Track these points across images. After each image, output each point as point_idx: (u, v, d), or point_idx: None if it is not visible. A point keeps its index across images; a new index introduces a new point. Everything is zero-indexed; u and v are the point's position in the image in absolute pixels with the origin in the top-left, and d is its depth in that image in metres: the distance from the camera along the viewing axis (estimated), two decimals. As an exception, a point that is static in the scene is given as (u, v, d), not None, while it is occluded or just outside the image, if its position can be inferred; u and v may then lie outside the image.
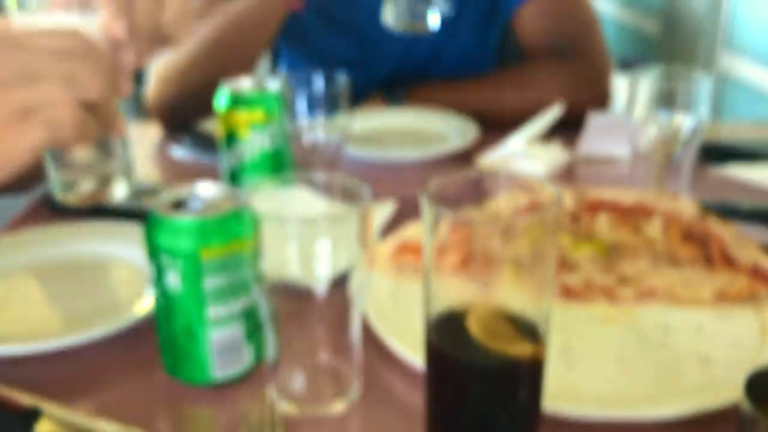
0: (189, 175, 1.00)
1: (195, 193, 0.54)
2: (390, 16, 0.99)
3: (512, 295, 0.41)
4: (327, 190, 0.54)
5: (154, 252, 0.52)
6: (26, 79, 0.49)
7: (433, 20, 0.99)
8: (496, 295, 0.41)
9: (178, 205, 0.53)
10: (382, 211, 0.83)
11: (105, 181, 0.62)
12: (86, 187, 0.62)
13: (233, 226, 0.51)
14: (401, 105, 1.18)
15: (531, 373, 0.42)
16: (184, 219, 0.51)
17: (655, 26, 4.32)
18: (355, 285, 0.51)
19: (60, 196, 0.62)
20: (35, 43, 0.51)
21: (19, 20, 0.57)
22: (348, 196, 0.53)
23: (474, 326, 0.42)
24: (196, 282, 0.51)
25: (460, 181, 0.44)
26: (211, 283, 0.51)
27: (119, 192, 0.63)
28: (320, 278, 0.50)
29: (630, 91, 0.85)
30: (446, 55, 1.30)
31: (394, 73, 1.27)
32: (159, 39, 0.63)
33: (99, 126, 0.53)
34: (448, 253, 0.44)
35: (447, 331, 0.42)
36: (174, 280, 0.51)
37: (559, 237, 0.70)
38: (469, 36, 1.30)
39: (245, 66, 1.10)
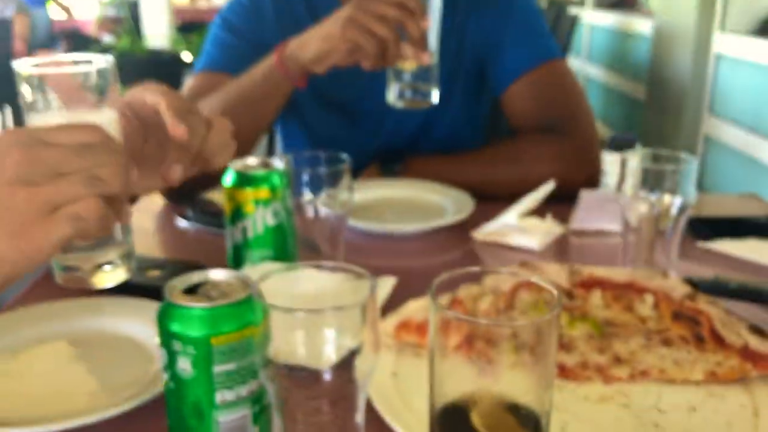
0: (192, 245, 1.02)
1: (206, 278, 0.56)
2: (393, 96, 1.05)
3: (515, 385, 0.43)
4: (333, 273, 0.56)
5: (165, 337, 0.53)
6: (51, 176, 0.52)
7: (434, 96, 1.05)
8: (499, 383, 0.43)
9: (190, 290, 0.55)
10: (383, 287, 0.85)
11: (105, 266, 0.65)
12: (86, 270, 0.64)
13: (243, 314, 0.53)
14: (395, 176, 1.22)
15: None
16: (196, 307, 0.52)
17: (641, 91, 4.44)
18: (360, 369, 0.53)
19: (60, 278, 0.65)
20: (58, 139, 0.54)
21: (38, 119, 0.60)
22: (354, 278, 0.55)
23: (477, 420, 0.44)
24: (206, 367, 0.53)
25: (465, 276, 0.47)
26: (220, 368, 0.53)
27: (119, 276, 0.66)
28: (326, 362, 0.52)
29: (620, 170, 0.89)
30: (436, 128, 1.35)
31: (385, 147, 1.31)
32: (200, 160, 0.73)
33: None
34: (451, 335, 0.46)
35: (452, 426, 0.44)
36: (184, 365, 0.53)
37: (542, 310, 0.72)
38: (459, 110, 1.34)
39: (249, 140, 1.14)
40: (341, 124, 1.34)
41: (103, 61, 0.64)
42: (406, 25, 1.00)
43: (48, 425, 0.59)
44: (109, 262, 0.65)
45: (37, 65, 0.62)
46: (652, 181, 0.87)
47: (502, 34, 1.26)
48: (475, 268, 0.49)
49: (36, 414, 0.62)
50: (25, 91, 0.62)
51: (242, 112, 1.12)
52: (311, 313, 0.50)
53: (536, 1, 1.32)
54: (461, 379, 0.45)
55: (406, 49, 1.03)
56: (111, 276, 0.66)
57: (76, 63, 0.64)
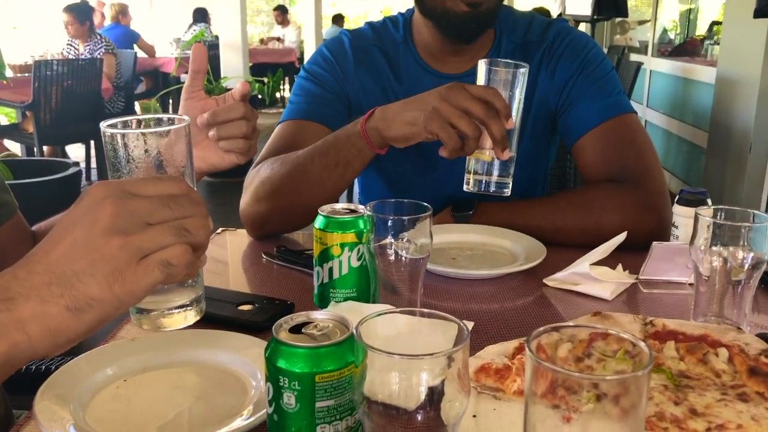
0: (278, 282, 1.07)
1: (311, 319, 0.61)
2: (468, 185, 1.10)
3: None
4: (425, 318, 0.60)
5: (272, 373, 0.58)
6: (141, 226, 0.58)
7: (508, 189, 1.10)
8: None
9: (296, 329, 0.60)
10: (451, 332, 0.88)
11: (177, 308, 0.72)
12: (159, 313, 0.71)
13: (344, 353, 0.58)
14: (468, 222, 1.26)
15: None
16: (303, 346, 0.57)
17: (702, 138, 4.39)
18: (450, 411, 0.56)
19: (135, 320, 0.72)
20: (146, 191, 0.60)
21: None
22: (443, 322, 0.59)
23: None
24: (309, 402, 0.57)
25: (559, 329, 0.50)
26: (322, 404, 0.57)
27: (189, 319, 0.73)
28: (415, 401, 0.56)
29: (693, 225, 0.91)
30: None
31: (456, 193, 1.36)
32: None
33: None
34: (539, 382, 0.49)
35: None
36: (289, 399, 0.58)
37: (626, 363, 0.75)
38: (527, 158, 1.37)
39: (332, 195, 1.20)
40: (416, 170, 1.39)
41: (181, 122, 0.71)
42: (489, 126, 1.03)
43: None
44: (182, 306, 0.72)
45: (121, 125, 0.70)
46: (725, 236, 0.89)
47: (574, 87, 1.30)
48: (570, 324, 0.52)
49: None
50: (111, 149, 0.68)
51: (326, 171, 1.18)
52: (407, 358, 0.55)
53: (608, 57, 1.36)
54: (553, 427, 0.48)
55: (486, 143, 1.06)
56: (182, 318, 0.72)
57: (157, 122, 0.72)
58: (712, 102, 4.22)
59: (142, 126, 0.72)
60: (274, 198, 1.20)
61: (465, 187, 1.11)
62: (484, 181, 1.09)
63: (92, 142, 5.11)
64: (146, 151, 0.68)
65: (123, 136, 0.68)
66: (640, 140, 1.28)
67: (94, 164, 5.20)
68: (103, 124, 0.68)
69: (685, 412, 0.70)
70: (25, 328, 0.55)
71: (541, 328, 0.50)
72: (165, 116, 0.72)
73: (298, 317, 0.62)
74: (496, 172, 1.09)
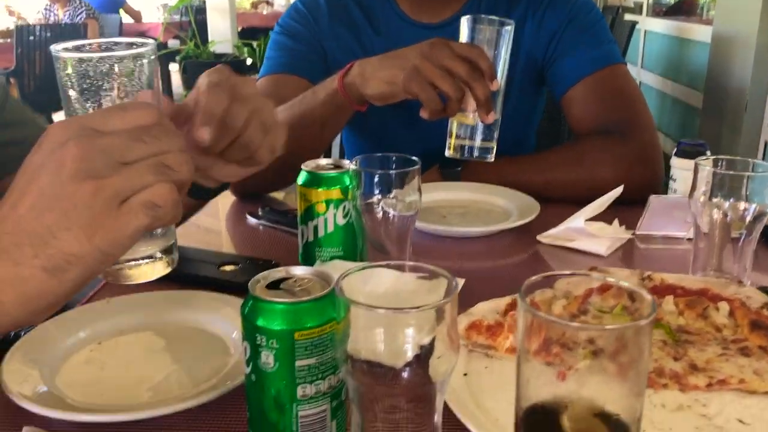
0: (262, 242, 1.04)
1: (290, 274, 0.57)
2: (450, 150, 1.06)
3: (605, 393, 0.42)
4: (410, 272, 0.57)
5: (249, 331, 0.54)
6: (114, 167, 0.50)
7: (492, 154, 1.06)
8: (587, 389, 0.43)
9: (273, 285, 0.56)
10: (441, 289, 0.85)
11: (145, 259, 0.64)
12: (126, 265, 0.63)
13: (325, 309, 0.54)
14: (457, 179, 1.22)
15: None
16: (281, 302, 0.54)
17: (697, 99, 4.34)
18: (439, 369, 0.53)
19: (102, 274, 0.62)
20: (112, 125, 0.52)
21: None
22: (429, 277, 0.56)
23: (567, 425, 0.44)
24: (288, 362, 0.54)
25: (555, 278, 0.46)
26: (302, 363, 0.54)
27: (158, 270, 0.65)
28: (403, 359, 0.53)
29: (692, 177, 0.87)
30: None
31: (443, 150, 1.32)
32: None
33: None
34: (532, 339, 0.46)
35: (538, 429, 0.44)
36: (267, 358, 0.54)
37: (623, 319, 0.72)
38: (515, 112, 1.33)
39: (313, 152, 1.16)
40: (400, 123, 1.35)
41: (144, 45, 0.61)
42: (473, 87, 0.99)
43: (128, 414, 0.60)
44: (150, 256, 0.64)
45: (79, 48, 0.59)
46: (725, 187, 0.86)
47: (562, 37, 1.25)
48: (567, 272, 0.49)
49: (117, 403, 0.64)
50: (68, 79, 0.59)
51: (304, 129, 1.14)
52: (393, 312, 0.51)
53: (597, 6, 1.31)
54: (547, 383, 0.45)
55: (469, 105, 1.01)
56: (150, 270, 0.64)
57: (118, 45, 0.62)
58: (708, 61, 4.17)
59: (102, 49, 0.61)
60: None
61: (447, 153, 1.07)
62: (467, 146, 1.05)
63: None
64: (108, 78, 0.59)
65: (80, 61, 0.58)
66: (631, 91, 1.25)
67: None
68: (54, 47, 0.59)
69: (685, 368, 0.67)
70: None
71: (534, 278, 0.46)
72: (125, 39, 0.63)
73: (276, 273, 0.58)
74: (479, 136, 1.05)
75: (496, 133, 1.05)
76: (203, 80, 0.69)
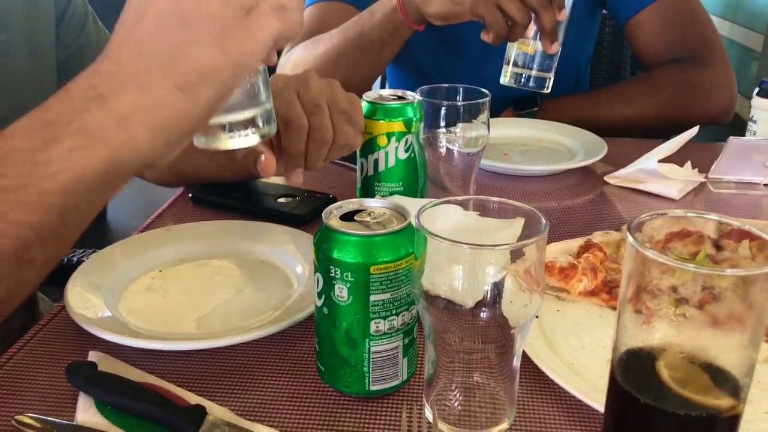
0: (319, 176, 1.01)
1: (363, 206, 0.55)
2: (507, 78, 1.03)
3: (714, 344, 0.39)
4: (497, 214, 0.54)
5: (323, 263, 0.52)
6: None
7: (549, 85, 1.02)
8: (695, 342, 0.40)
9: (347, 217, 0.54)
10: (516, 228, 0.82)
11: (240, 126, 0.56)
12: (217, 128, 0.55)
13: (403, 243, 0.52)
14: (533, 117, 1.18)
15: (729, 425, 0.41)
16: (358, 234, 0.51)
17: (757, 42, 4.15)
18: (519, 312, 0.51)
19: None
20: None
21: None
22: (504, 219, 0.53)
23: (664, 372, 0.41)
24: (363, 295, 0.52)
25: (663, 222, 0.43)
26: (377, 297, 0.52)
27: (252, 140, 0.57)
28: (483, 301, 0.50)
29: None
30: None
31: (491, 82, 1.27)
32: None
33: None
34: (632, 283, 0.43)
35: (636, 373, 0.41)
36: (341, 292, 0.52)
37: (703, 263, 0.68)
38: (575, 36, 1.27)
39: (365, 81, 1.14)
40: (449, 52, 1.30)
41: None
42: (541, 14, 0.96)
43: (192, 342, 0.59)
44: (244, 123, 0.56)
45: None
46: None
47: None
48: (679, 212, 0.45)
49: (180, 331, 0.63)
50: None
51: (361, 51, 1.11)
52: (475, 248, 0.48)
53: None
54: (647, 329, 0.42)
55: (530, 33, 0.99)
56: (242, 139, 0.56)
57: None
58: (771, 1, 3.96)
59: None
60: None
61: (502, 80, 1.03)
62: (524, 75, 1.02)
63: None
64: None
65: None
66: (701, 15, 1.18)
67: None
68: None
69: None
70: (127, 126, 0.45)
71: (645, 216, 0.43)
72: None
73: (349, 204, 0.55)
74: (537, 66, 1.01)
75: (554, 64, 1.01)
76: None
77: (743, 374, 0.39)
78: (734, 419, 0.40)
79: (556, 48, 0.99)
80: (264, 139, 0.57)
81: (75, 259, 1.06)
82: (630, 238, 0.40)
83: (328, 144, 0.70)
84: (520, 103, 1.19)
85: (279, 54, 1.08)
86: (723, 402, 0.40)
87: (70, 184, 0.45)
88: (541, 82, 1.01)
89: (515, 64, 1.02)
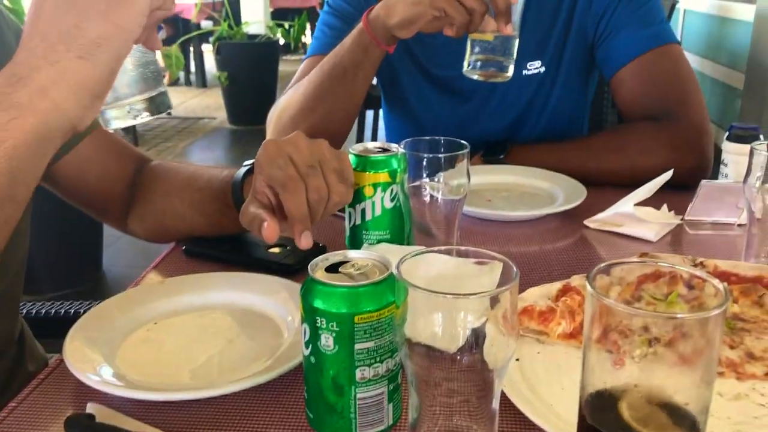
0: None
1: (348, 258, 0.58)
2: (469, 66, 1.06)
3: (673, 382, 0.42)
4: (466, 258, 0.57)
5: (309, 314, 0.55)
6: None
7: (510, 70, 1.05)
8: (656, 377, 0.43)
9: (332, 269, 0.57)
10: (495, 273, 0.85)
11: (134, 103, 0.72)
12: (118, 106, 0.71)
13: (385, 293, 0.55)
14: (501, 164, 1.21)
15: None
16: (342, 286, 0.54)
17: (738, 80, 4.24)
18: (498, 355, 0.53)
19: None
20: None
21: None
22: (481, 263, 0.56)
23: (626, 412, 0.44)
24: (348, 344, 0.54)
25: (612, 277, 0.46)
26: (361, 345, 0.55)
27: (145, 116, 0.73)
28: (464, 346, 0.53)
29: (747, 159, 0.85)
30: (541, 111, 1.33)
31: (488, 130, 1.31)
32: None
33: None
34: (594, 326, 0.45)
35: (601, 416, 0.44)
36: (327, 341, 0.55)
37: (679, 307, 0.71)
38: (564, 91, 1.31)
39: (345, 114, 1.18)
40: (444, 102, 1.34)
41: None
42: None
43: (186, 393, 0.62)
44: (136, 103, 0.72)
45: None
46: (781, 172, 0.84)
47: (614, 14, 1.23)
48: (638, 260, 0.48)
49: (175, 382, 0.65)
50: None
51: (336, 81, 1.14)
52: (452, 297, 0.51)
53: None
54: (613, 369, 0.44)
55: (489, 20, 1.03)
56: (143, 116, 0.73)
57: None
58: (750, 41, 4.06)
59: None
60: (293, 124, 1.16)
61: (464, 69, 1.07)
62: (483, 61, 1.06)
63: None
64: None
65: None
66: (683, 73, 1.21)
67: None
68: None
69: (742, 356, 0.67)
70: (48, 95, 0.58)
71: (602, 265, 0.46)
72: None
73: (334, 256, 0.58)
74: (497, 52, 1.05)
75: (514, 50, 1.05)
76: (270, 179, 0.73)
77: (699, 412, 0.42)
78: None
79: (511, 29, 1.03)
80: (159, 115, 0.73)
81: (72, 310, 1.08)
82: (588, 288, 0.43)
83: (324, 202, 0.74)
84: (488, 149, 1.23)
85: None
86: (682, 439, 0.42)
87: (11, 150, 0.57)
88: (501, 67, 1.05)
89: (474, 52, 1.06)
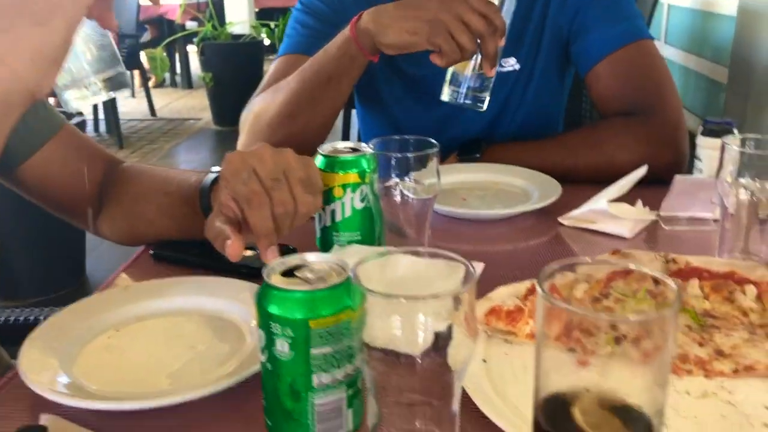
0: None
1: (305, 262, 0.57)
2: (447, 95, 1.09)
3: (627, 383, 0.41)
4: (428, 259, 0.56)
5: (264, 319, 0.54)
6: None
7: (486, 104, 1.08)
8: (609, 379, 0.42)
9: (288, 273, 0.56)
10: (460, 273, 0.84)
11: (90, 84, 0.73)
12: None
13: (341, 298, 0.53)
14: (476, 162, 1.20)
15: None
16: (296, 290, 0.53)
17: (722, 74, 4.25)
18: (457, 357, 0.52)
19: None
20: None
21: None
22: (447, 263, 0.55)
23: (579, 417, 0.42)
24: (303, 350, 0.53)
25: (574, 267, 0.45)
26: (317, 351, 0.53)
27: (100, 97, 0.74)
28: (421, 347, 0.52)
29: (719, 156, 0.85)
30: (517, 109, 1.32)
31: (465, 130, 1.29)
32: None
33: None
34: (552, 324, 0.44)
35: (554, 419, 0.43)
36: (282, 347, 0.54)
37: (647, 303, 0.70)
38: (540, 90, 1.31)
39: (326, 118, 1.16)
40: (420, 102, 1.33)
41: None
42: (485, 42, 1.02)
43: (144, 402, 0.60)
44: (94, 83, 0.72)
45: None
46: (753, 167, 0.83)
47: (587, 11, 1.22)
48: (585, 259, 0.47)
49: (135, 390, 0.63)
50: None
51: (320, 88, 1.13)
52: (409, 300, 0.50)
53: None
54: (567, 372, 0.43)
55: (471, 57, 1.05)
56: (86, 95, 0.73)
57: None
58: (734, 35, 4.07)
59: None
60: (270, 130, 1.15)
61: (442, 97, 1.09)
62: (462, 93, 1.08)
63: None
64: None
65: None
66: (657, 68, 1.21)
67: (102, 115, 5.14)
68: None
69: (711, 354, 0.66)
70: (5, 62, 0.59)
71: (553, 264, 0.45)
72: None
73: (291, 260, 0.57)
74: (476, 86, 1.07)
75: (491, 85, 1.07)
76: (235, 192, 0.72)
77: (654, 414, 0.41)
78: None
79: (494, 72, 1.05)
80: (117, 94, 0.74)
81: (42, 317, 1.06)
82: (539, 289, 0.42)
83: (291, 215, 0.72)
84: (463, 148, 1.22)
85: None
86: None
87: None
88: (478, 100, 1.08)
89: (455, 84, 1.08)
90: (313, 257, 0.57)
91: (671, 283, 0.42)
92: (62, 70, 0.63)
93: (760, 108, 3.72)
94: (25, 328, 0.82)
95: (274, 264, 0.56)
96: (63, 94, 0.71)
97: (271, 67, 1.28)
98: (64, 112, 1.08)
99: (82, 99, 0.71)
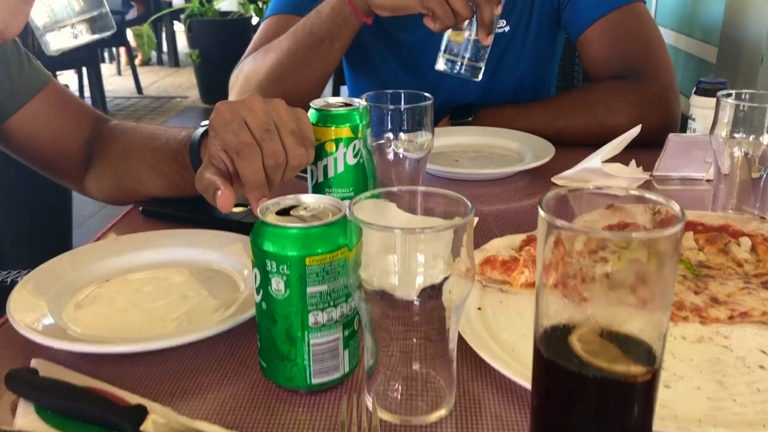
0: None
1: (300, 202, 0.56)
2: (442, 65, 1.07)
3: (624, 315, 0.41)
4: (426, 203, 0.55)
5: (260, 258, 0.53)
6: None
7: (481, 74, 1.07)
8: (608, 310, 0.42)
9: (284, 212, 0.55)
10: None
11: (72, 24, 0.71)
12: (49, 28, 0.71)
13: (337, 235, 0.53)
14: (468, 126, 1.20)
15: (643, 392, 0.42)
16: (292, 227, 0.52)
17: (711, 54, 4.25)
18: (453, 296, 0.52)
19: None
20: None
21: None
22: (443, 211, 0.54)
23: (577, 344, 0.42)
24: (299, 288, 0.52)
25: (571, 195, 0.45)
26: (314, 289, 0.53)
27: (83, 38, 0.72)
28: (419, 288, 0.51)
29: (714, 111, 0.84)
30: (510, 72, 1.31)
31: (456, 94, 1.28)
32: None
33: None
34: (550, 273, 0.44)
35: (554, 349, 0.42)
36: (278, 285, 0.53)
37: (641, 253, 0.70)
38: (532, 54, 1.30)
39: (318, 80, 1.15)
40: (406, 67, 1.32)
41: None
42: (482, 8, 1.00)
43: (133, 345, 0.59)
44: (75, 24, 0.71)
45: None
46: (747, 122, 0.83)
47: None
48: (585, 187, 0.46)
49: (120, 336, 0.62)
50: None
51: (311, 50, 1.12)
52: (407, 232, 0.49)
53: None
54: (569, 303, 0.43)
55: (465, 24, 1.03)
56: (70, 35, 0.72)
57: None
58: (723, 14, 4.07)
59: None
60: (260, 92, 1.13)
61: (437, 66, 1.07)
62: (457, 63, 1.07)
63: (84, 69, 4.97)
64: None
65: None
66: (648, 31, 1.20)
67: (87, 93, 5.07)
68: None
69: (706, 301, 0.66)
70: None
71: (552, 193, 0.44)
72: None
73: (286, 200, 0.56)
74: (471, 56, 1.06)
75: (486, 54, 1.06)
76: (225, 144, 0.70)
77: (655, 339, 0.41)
78: (649, 383, 0.42)
79: (490, 40, 1.04)
80: (100, 37, 0.73)
81: (19, 279, 1.05)
82: (541, 212, 0.41)
83: (282, 167, 0.70)
84: (455, 112, 1.21)
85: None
86: (634, 369, 0.41)
87: None
88: (473, 70, 1.06)
89: (450, 53, 1.06)
90: (307, 198, 0.57)
91: (674, 204, 0.42)
92: (38, 9, 0.62)
93: (748, 85, 3.73)
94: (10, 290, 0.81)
95: (269, 203, 0.55)
96: (44, 36, 0.68)
97: (260, 28, 1.27)
98: None
99: (63, 40, 0.69)
